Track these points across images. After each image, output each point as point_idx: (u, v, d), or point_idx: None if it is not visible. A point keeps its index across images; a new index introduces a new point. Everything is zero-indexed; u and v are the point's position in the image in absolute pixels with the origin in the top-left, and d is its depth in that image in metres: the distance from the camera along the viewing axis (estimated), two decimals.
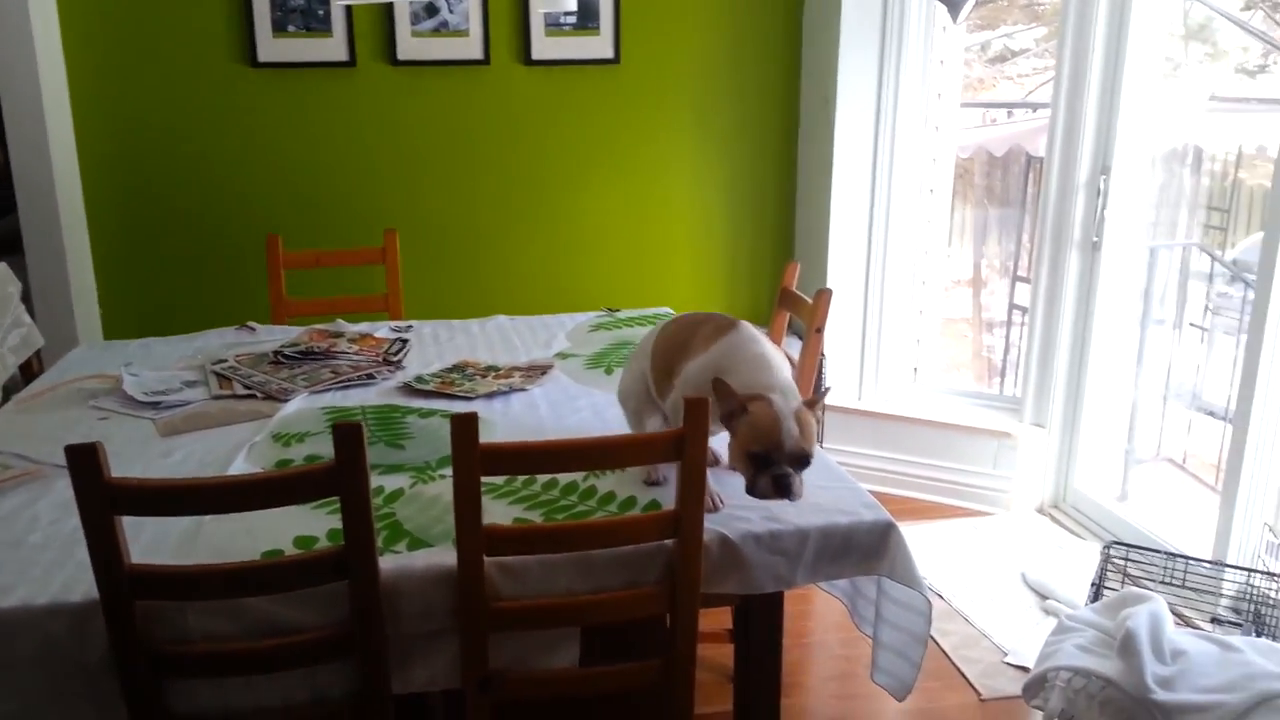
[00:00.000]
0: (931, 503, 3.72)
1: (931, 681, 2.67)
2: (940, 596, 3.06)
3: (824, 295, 2.14)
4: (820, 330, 2.18)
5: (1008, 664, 2.72)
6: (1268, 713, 1.63)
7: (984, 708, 2.56)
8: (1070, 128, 3.32)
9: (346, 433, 1.37)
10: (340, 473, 1.39)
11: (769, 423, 1.62)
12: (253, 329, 2.88)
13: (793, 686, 2.65)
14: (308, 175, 3.72)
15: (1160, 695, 1.68)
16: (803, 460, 1.63)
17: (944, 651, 2.79)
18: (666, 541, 1.59)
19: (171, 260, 3.73)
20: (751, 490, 1.64)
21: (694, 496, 1.53)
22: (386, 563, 1.55)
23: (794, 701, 2.60)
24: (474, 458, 1.44)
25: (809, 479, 1.82)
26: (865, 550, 1.68)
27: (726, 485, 1.81)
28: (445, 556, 1.54)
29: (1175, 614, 2.47)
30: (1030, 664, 2.65)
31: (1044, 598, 3.02)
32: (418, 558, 1.57)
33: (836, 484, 1.81)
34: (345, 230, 3.70)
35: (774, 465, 1.61)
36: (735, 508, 1.72)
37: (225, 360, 2.55)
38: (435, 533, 1.63)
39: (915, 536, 3.41)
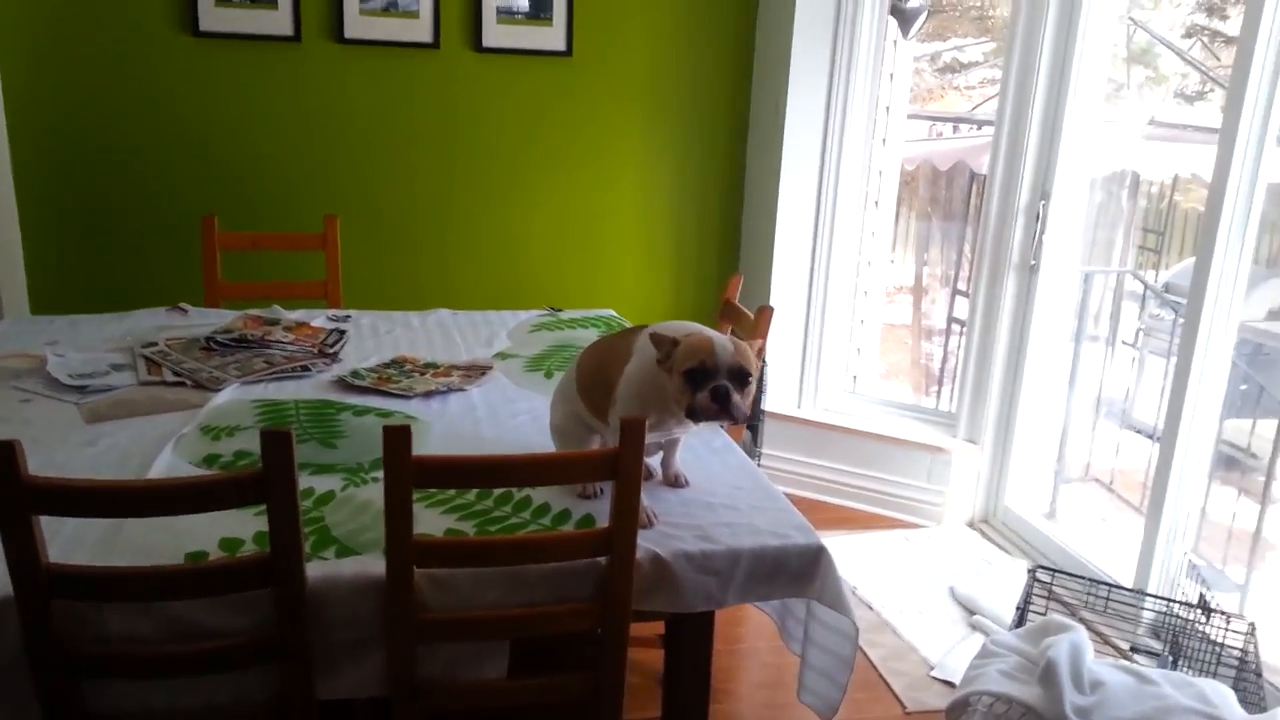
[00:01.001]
0: (865, 512, 3.76)
1: (859, 693, 2.70)
2: (870, 607, 3.09)
3: (765, 313, 2.14)
4: (761, 349, 2.17)
5: (934, 678, 2.76)
6: None
7: None
8: (1013, 148, 3.37)
9: (275, 438, 1.34)
10: (268, 480, 1.35)
11: (702, 340, 1.64)
12: (184, 311, 2.81)
13: (722, 693, 2.66)
14: (247, 154, 3.63)
15: None
16: (740, 376, 1.63)
17: (872, 663, 2.82)
18: (599, 558, 1.57)
19: (105, 235, 3.62)
20: (691, 412, 1.62)
21: (627, 516, 1.52)
22: (314, 570, 1.51)
23: (723, 708, 2.61)
24: (406, 471, 1.41)
25: (741, 494, 1.84)
26: (795, 573, 1.68)
27: (661, 501, 1.81)
28: (373, 565, 1.51)
29: (1097, 636, 2.53)
30: (956, 678, 2.71)
31: (971, 612, 3.06)
32: (345, 566, 1.54)
33: (770, 504, 1.81)
34: (285, 214, 3.62)
35: (711, 378, 1.61)
36: (669, 525, 1.71)
37: (155, 344, 2.48)
38: (364, 540, 1.60)
39: (848, 546, 3.47)
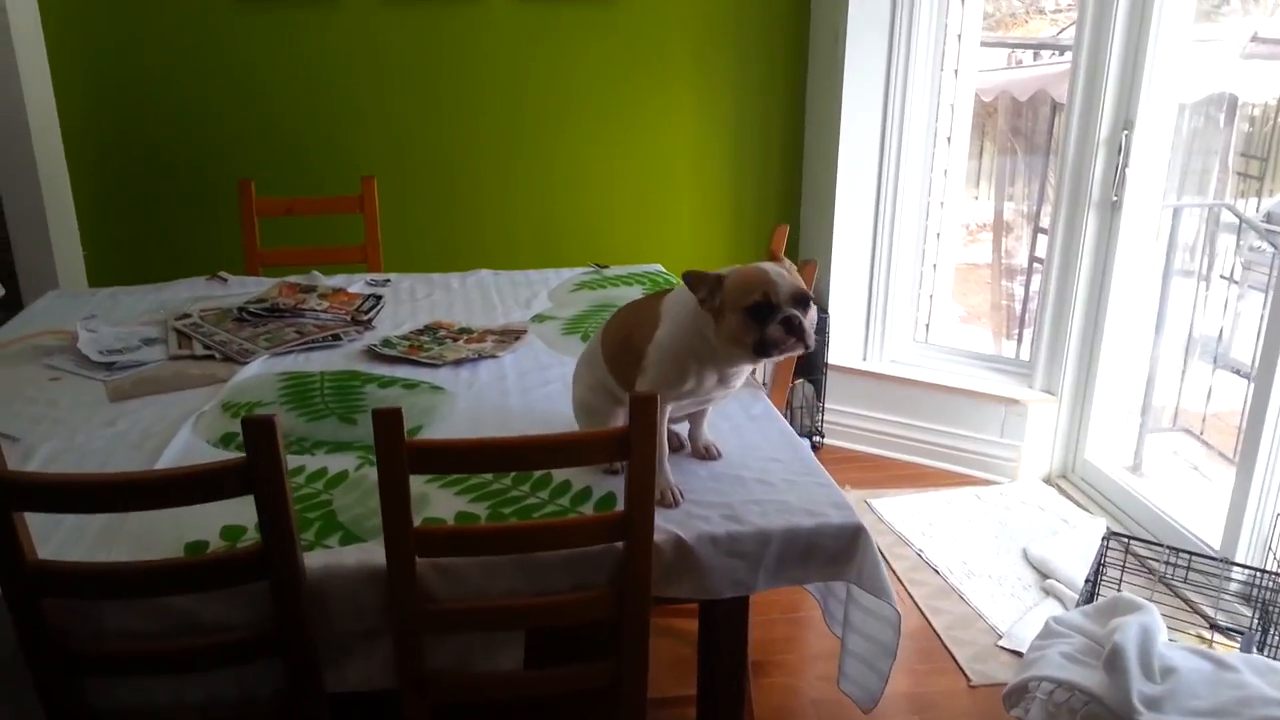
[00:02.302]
0: (934, 469, 3.60)
1: (920, 664, 2.58)
2: (935, 571, 2.95)
3: (808, 267, 1.99)
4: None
5: (1001, 647, 2.61)
6: None
7: (973, 694, 2.46)
8: (1092, 73, 3.11)
9: (257, 427, 1.26)
10: (252, 471, 1.28)
11: (754, 271, 1.55)
12: (224, 279, 2.78)
13: (775, 665, 2.56)
14: (289, 115, 3.56)
15: (1146, 717, 1.56)
16: (804, 300, 1.54)
17: (935, 631, 2.69)
18: (616, 543, 1.47)
19: (154, 203, 3.61)
20: (761, 348, 1.53)
21: (643, 498, 1.41)
22: (315, 559, 1.45)
23: (776, 681, 2.51)
24: (400, 457, 1.32)
25: (777, 467, 1.72)
26: (831, 555, 1.56)
27: (689, 476, 1.70)
28: (377, 554, 1.44)
29: (1181, 602, 2.35)
30: (1024, 648, 2.56)
31: (1045, 576, 2.90)
32: (348, 554, 1.47)
33: (807, 478, 1.69)
34: (326, 175, 3.55)
35: (776, 310, 1.51)
36: (694, 504, 1.60)
37: (189, 316, 2.44)
38: (370, 526, 1.53)
39: (915, 505, 3.32)
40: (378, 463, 1.33)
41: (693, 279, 1.57)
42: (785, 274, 1.55)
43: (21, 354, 2.27)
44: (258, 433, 1.26)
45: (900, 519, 3.22)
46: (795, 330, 1.52)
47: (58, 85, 3.40)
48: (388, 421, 1.30)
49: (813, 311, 1.57)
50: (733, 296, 1.54)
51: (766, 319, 1.52)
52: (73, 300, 2.68)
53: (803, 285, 1.55)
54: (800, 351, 1.57)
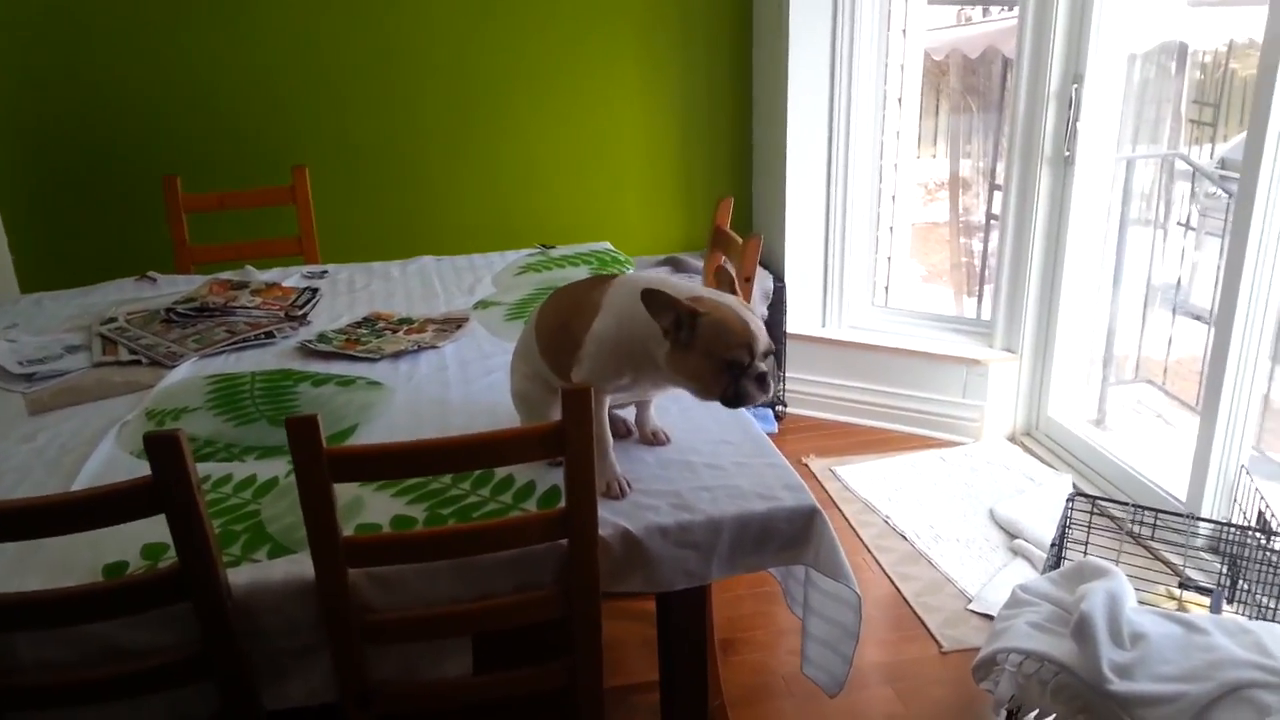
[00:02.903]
0: (897, 433, 3.56)
1: (891, 633, 2.54)
2: (903, 537, 2.91)
3: (752, 243, 1.92)
4: (750, 279, 1.96)
5: (971, 611, 2.58)
6: (1234, 704, 1.47)
7: (945, 661, 2.43)
8: (1039, 27, 3.05)
9: (160, 443, 1.17)
10: (160, 490, 1.20)
11: (737, 323, 1.47)
12: (153, 280, 2.67)
13: (743, 642, 2.52)
14: (225, 104, 3.42)
15: (1117, 685, 1.52)
16: (771, 352, 1.51)
17: (905, 598, 2.65)
18: (560, 541, 1.40)
19: (84, 202, 3.46)
20: (732, 400, 1.47)
21: (583, 494, 1.34)
22: (241, 575, 1.37)
23: (745, 658, 2.46)
24: (319, 466, 1.24)
25: (728, 449, 1.66)
26: (786, 540, 1.50)
27: (636, 463, 1.63)
28: (307, 565, 1.36)
29: (1150, 555, 2.33)
30: (995, 611, 2.53)
31: (1013, 536, 2.87)
32: (276, 568, 1.39)
33: (758, 459, 1.62)
34: (265, 165, 3.42)
35: (750, 366, 1.46)
36: (642, 493, 1.53)
37: (114, 320, 2.34)
38: (300, 537, 1.44)
39: (879, 470, 3.27)
40: (296, 474, 1.25)
41: (655, 304, 1.46)
42: (760, 325, 1.50)
43: None
44: (162, 451, 1.18)
45: (866, 485, 3.17)
46: (765, 387, 1.48)
47: None
48: (303, 429, 1.22)
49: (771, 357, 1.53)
50: (709, 342, 1.46)
51: (742, 374, 1.46)
52: None
53: (767, 340, 1.50)
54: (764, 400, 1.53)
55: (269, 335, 2.24)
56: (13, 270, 3.43)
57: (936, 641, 2.49)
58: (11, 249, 3.42)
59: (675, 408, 1.82)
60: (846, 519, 3.02)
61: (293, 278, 2.64)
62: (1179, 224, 3.86)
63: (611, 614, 1.59)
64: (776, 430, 3.61)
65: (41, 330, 2.34)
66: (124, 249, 3.43)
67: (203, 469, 1.65)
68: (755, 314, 1.51)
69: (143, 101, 3.38)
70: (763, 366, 1.47)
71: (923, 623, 2.56)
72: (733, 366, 1.45)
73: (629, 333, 1.52)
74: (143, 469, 1.19)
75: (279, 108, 3.45)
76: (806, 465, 3.33)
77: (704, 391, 1.49)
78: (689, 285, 1.58)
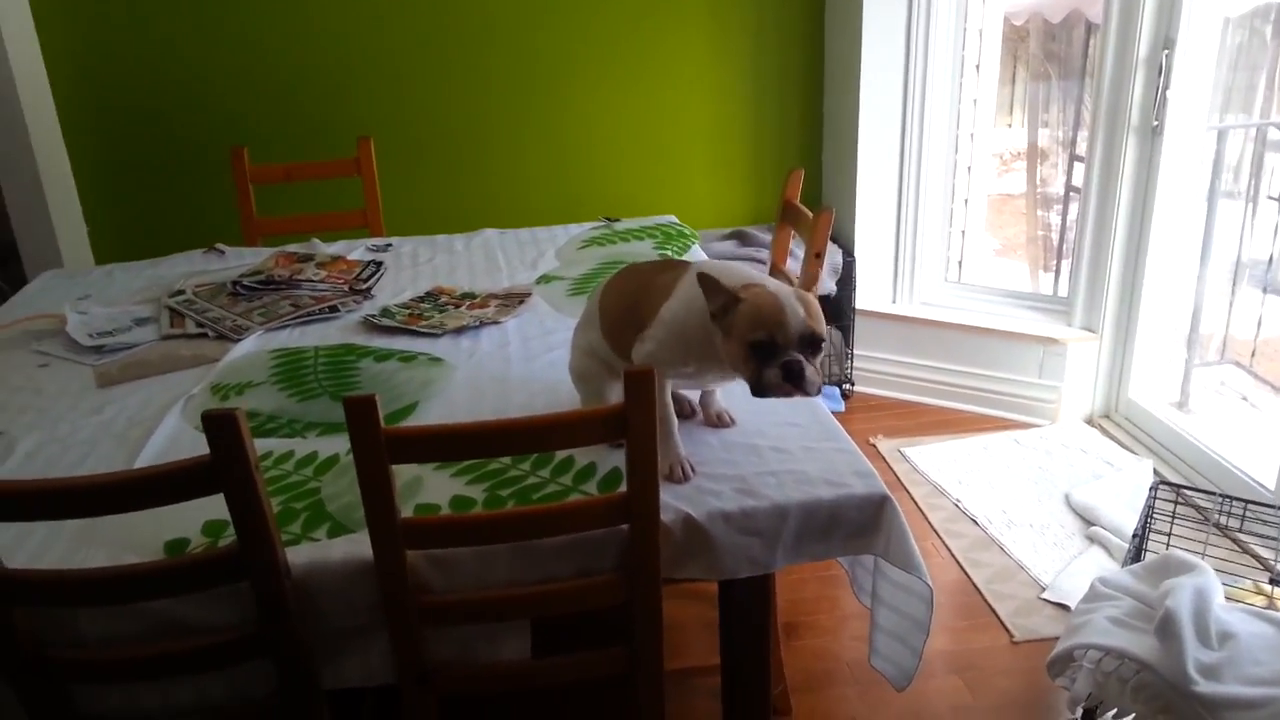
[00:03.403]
0: (970, 414, 3.46)
1: (960, 621, 2.47)
2: (974, 522, 2.83)
3: (823, 217, 1.86)
4: (820, 255, 1.90)
5: (1044, 600, 2.50)
6: None
7: (1016, 651, 2.35)
8: None
9: (219, 422, 1.16)
10: (217, 469, 1.19)
11: (770, 303, 1.40)
12: (221, 252, 2.68)
13: (806, 626, 2.47)
14: (290, 76, 3.42)
15: (1203, 687, 1.45)
16: (813, 343, 1.41)
17: (975, 586, 2.58)
18: (621, 526, 1.37)
19: (155, 174, 3.50)
20: (758, 388, 1.41)
21: (645, 479, 1.30)
22: (300, 554, 1.36)
23: (807, 643, 2.42)
24: (378, 447, 1.22)
25: (795, 432, 1.60)
26: (855, 529, 1.45)
27: (700, 445, 1.59)
28: (367, 546, 1.34)
29: (1229, 564, 2.22)
30: (1070, 601, 2.44)
31: (1089, 523, 2.77)
32: (335, 548, 1.38)
33: (827, 444, 1.57)
34: (329, 138, 3.42)
35: (781, 351, 1.39)
36: (706, 478, 1.49)
37: (183, 293, 2.35)
38: (359, 517, 1.42)
39: (950, 452, 3.19)
40: (354, 455, 1.23)
41: (707, 287, 1.43)
42: (800, 313, 1.40)
43: (12, 339, 2.20)
44: (220, 429, 1.17)
45: (935, 468, 3.09)
46: (794, 377, 1.39)
47: (48, 57, 3.30)
48: (361, 410, 1.20)
49: (823, 352, 1.44)
50: (741, 324, 1.41)
51: (768, 359, 1.39)
52: (68, 280, 2.60)
53: (816, 327, 1.41)
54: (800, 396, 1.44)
55: (333, 309, 2.23)
56: (88, 241, 3.49)
57: (1008, 631, 2.41)
58: (85, 220, 3.47)
59: (740, 388, 1.76)
60: (915, 502, 2.94)
61: (358, 251, 2.64)
62: (1270, 198, 3.68)
63: (672, 595, 1.56)
64: (844, 409, 3.54)
65: (112, 302, 2.37)
66: (193, 221, 3.47)
67: (265, 445, 1.65)
68: (808, 304, 1.42)
69: (210, 74, 3.40)
70: (795, 355, 1.39)
71: (993, 611, 2.48)
72: (756, 349, 1.39)
73: (697, 319, 1.47)
74: (207, 445, 1.18)
75: (344, 81, 3.45)
76: (874, 446, 3.26)
77: (742, 378, 1.44)
78: (756, 275, 1.52)
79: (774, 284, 1.47)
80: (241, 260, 2.62)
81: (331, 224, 2.88)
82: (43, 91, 3.29)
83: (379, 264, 2.51)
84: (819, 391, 1.42)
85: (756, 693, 1.65)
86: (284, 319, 2.18)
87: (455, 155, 3.56)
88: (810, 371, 1.40)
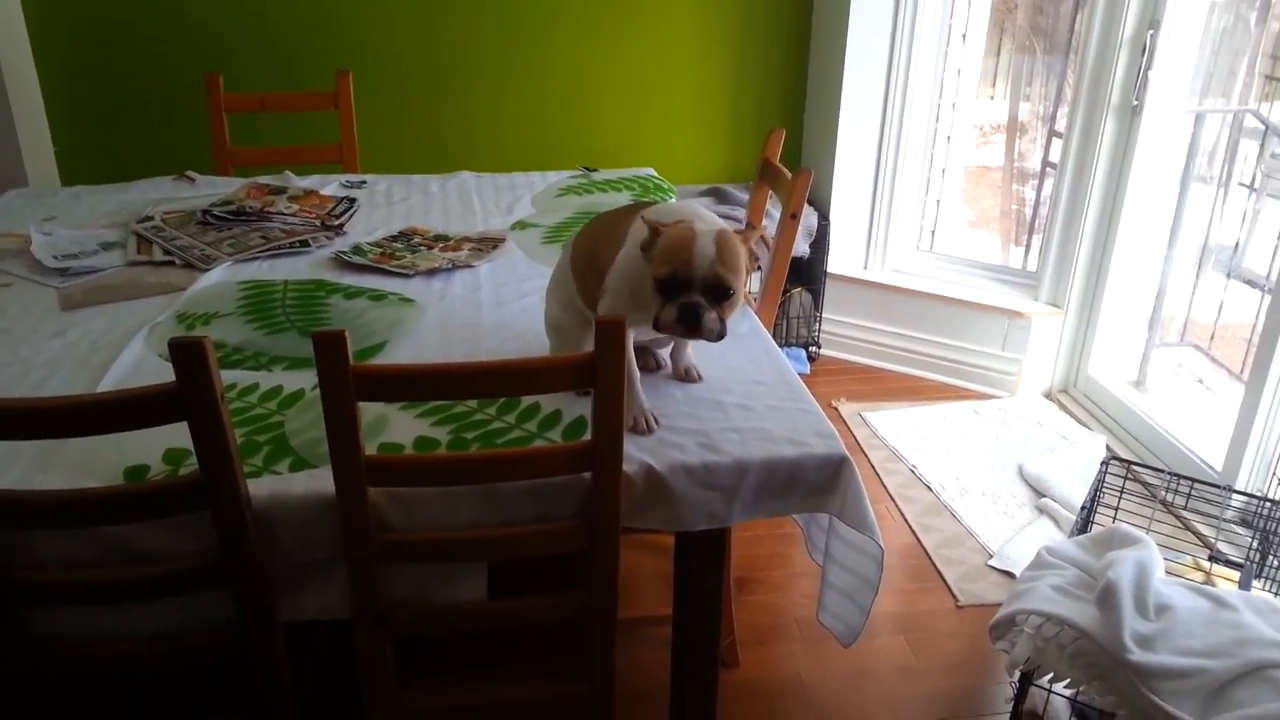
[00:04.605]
0: (932, 382, 3.51)
1: (908, 584, 2.53)
2: (928, 488, 2.88)
3: (801, 178, 1.86)
4: (795, 216, 1.91)
5: (991, 567, 2.56)
6: (1255, 683, 1.44)
7: (961, 614, 2.42)
8: None
9: (186, 350, 1.16)
10: (182, 397, 1.19)
11: (682, 240, 1.40)
12: (192, 179, 2.64)
13: (758, 582, 2.52)
14: (258, 3, 3.35)
15: (1137, 655, 1.50)
16: (718, 289, 1.40)
17: (925, 550, 2.64)
18: (584, 474, 1.39)
19: (127, 98, 3.44)
20: (657, 325, 1.42)
21: (610, 428, 1.31)
22: (262, 487, 1.36)
23: (759, 599, 2.46)
24: (345, 383, 1.22)
25: (761, 391, 1.62)
26: (813, 487, 1.47)
27: (666, 398, 1.60)
28: (328, 481, 1.35)
29: (1173, 539, 2.29)
30: (1016, 569, 2.51)
31: (1040, 494, 2.83)
32: (297, 482, 1.38)
33: (791, 404, 1.58)
34: (309, 68, 3.37)
35: (684, 290, 1.39)
36: (670, 430, 1.51)
37: (151, 219, 2.32)
38: (322, 452, 1.44)
39: (911, 418, 3.23)
40: (321, 390, 1.23)
41: (645, 222, 1.44)
42: (710, 254, 1.38)
43: None
44: (187, 357, 1.16)
45: (895, 433, 3.14)
46: (689, 321, 1.38)
47: None
48: (330, 346, 1.20)
49: (735, 300, 1.42)
50: (655, 259, 1.41)
51: (670, 296, 1.39)
52: (34, 200, 2.55)
53: (725, 274, 1.38)
54: (698, 340, 1.44)
55: (304, 244, 2.21)
56: (55, 163, 3.42)
57: (954, 595, 2.47)
58: (54, 141, 3.40)
59: (709, 345, 1.78)
60: (873, 466, 2.99)
61: (331, 186, 2.61)
62: (1241, 184, 3.72)
63: (628, 545, 1.58)
64: (809, 371, 3.57)
65: (78, 224, 2.33)
66: (165, 146, 3.41)
67: (230, 376, 1.65)
68: (726, 247, 1.39)
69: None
70: (695, 298, 1.38)
71: (941, 575, 2.54)
72: (662, 284, 1.39)
73: (639, 262, 1.48)
74: (170, 373, 1.18)
75: (327, 11, 3.38)
76: (836, 409, 3.29)
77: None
78: (705, 214, 1.51)
79: (707, 223, 1.46)
80: (213, 189, 2.59)
81: (306, 158, 2.85)
82: (12, 5, 3.20)
83: (352, 200, 2.49)
84: (718, 338, 1.42)
85: (705, 644, 1.68)
86: (253, 251, 2.16)
87: (436, 94, 3.52)
88: (710, 318, 1.39)
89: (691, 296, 1.39)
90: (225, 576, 1.35)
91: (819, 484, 1.48)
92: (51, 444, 1.43)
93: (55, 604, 1.36)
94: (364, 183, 2.66)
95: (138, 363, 1.71)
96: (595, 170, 2.79)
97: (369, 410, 1.51)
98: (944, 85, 3.53)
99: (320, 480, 1.37)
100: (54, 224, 2.32)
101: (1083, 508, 2.01)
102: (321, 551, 1.39)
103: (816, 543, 1.71)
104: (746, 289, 1.54)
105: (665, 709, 1.91)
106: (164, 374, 1.20)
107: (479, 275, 2.09)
